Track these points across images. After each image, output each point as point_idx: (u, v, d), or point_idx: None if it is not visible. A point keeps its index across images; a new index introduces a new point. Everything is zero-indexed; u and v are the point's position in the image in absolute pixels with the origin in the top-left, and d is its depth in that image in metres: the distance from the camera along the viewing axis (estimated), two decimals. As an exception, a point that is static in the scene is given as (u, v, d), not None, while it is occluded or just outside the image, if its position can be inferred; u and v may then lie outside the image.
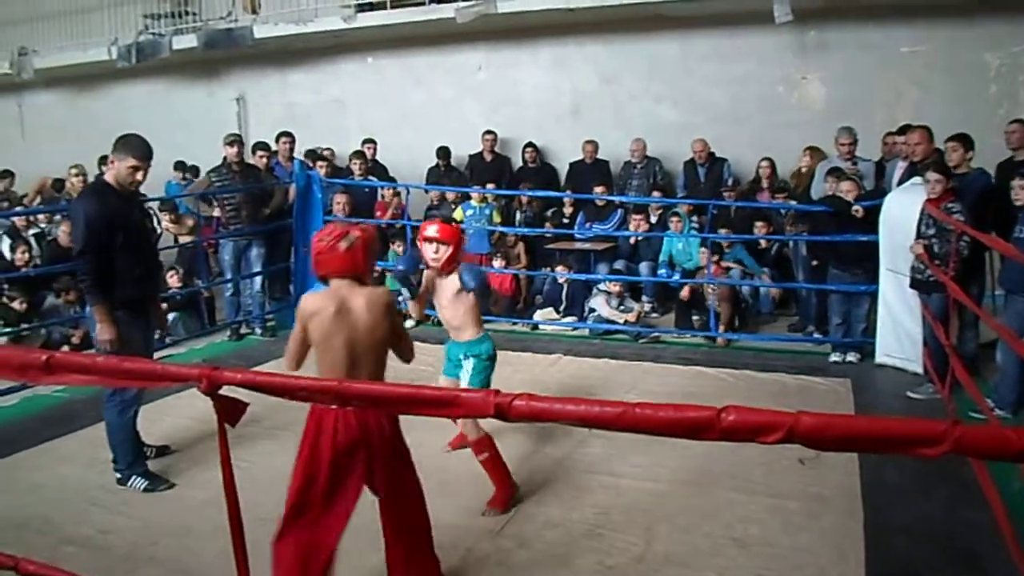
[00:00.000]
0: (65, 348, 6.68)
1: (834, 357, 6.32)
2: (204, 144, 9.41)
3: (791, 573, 3.22)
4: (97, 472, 4.25)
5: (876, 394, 5.59)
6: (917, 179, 5.68)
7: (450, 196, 8.76)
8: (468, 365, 3.91)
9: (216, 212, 7.87)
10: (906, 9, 8.29)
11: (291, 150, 8.55)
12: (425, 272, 3.92)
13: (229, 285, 7.59)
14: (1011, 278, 4.94)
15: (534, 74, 9.98)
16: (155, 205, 7.84)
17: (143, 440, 4.32)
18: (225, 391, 1.74)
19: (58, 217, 8.45)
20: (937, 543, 3.44)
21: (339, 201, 7.98)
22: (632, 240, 8.18)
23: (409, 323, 7.84)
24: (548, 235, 8.42)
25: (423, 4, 9.57)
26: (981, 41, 8.10)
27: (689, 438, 1.28)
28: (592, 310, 7.42)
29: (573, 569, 3.26)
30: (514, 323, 7.67)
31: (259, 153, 8.11)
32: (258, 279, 7.59)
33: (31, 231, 8.36)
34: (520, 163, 9.61)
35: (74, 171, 8.53)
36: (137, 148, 4.07)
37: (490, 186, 8.57)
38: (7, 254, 7.74)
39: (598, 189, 8.28)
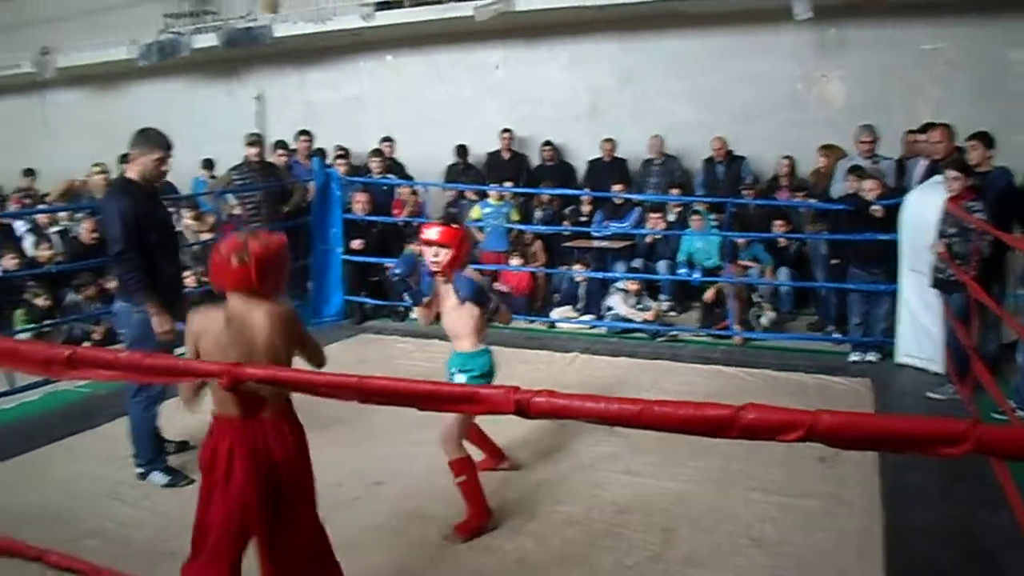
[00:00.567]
0: (86, 344, 6.75)
1: (854, 357, 6.28)
2: (224, 142, 9.50)
3: (809, 573, 3.21)
4: (118, 467, 4.30)
5: (896, 394, 5.55)
6: (938, 177, 5.63)
7: (468, 194, 8.78)
8: (458, 381, 3.65)
9: (236, 210, 7.92)
10: (927, 6, 8.21)
11: (309, 149, 8.60)
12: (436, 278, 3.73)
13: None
14: (1033, 278, 4.89)
15: (552, 72, 9.97)
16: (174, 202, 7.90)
17: (163, 436, 4.36)
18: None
19: (79, 215, 8.56)
20: (957, 544, 3.42)
21: (358, 200, 8.01)
22: (650, 238, 8.16)
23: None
24: (566, 233, 8.41)
25: (442, 2, 9.58)
26: (1004, 38, 8.00)
27: (709, 436, 1.28)
28: (610, 308, 7.41)
29: (592, 568, 3.27)
30: (531, 321, 7.67)
31: (278, 151, 8.16)
32: (277, 276, 7.60)
33: (53, 228, 8.46)
34: (538, 161, 9.61)
35: (97, 168, 8.61)
36: (160, 140, 4.11)
37: (508, 184, 8.58)
38: (30, 251, 7.83)
39: (616, 187, 8.27)
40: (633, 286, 7.37)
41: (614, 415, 1.30)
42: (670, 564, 3.29)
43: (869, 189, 6.18)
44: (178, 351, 4.66)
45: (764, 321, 7.07)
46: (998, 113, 7.20)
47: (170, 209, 5.10)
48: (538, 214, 8.69)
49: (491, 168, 9.56)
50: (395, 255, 7.94)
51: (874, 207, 6.06)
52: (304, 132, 8.73)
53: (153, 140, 4.10)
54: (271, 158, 7.94)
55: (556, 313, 7.76)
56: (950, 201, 5.23)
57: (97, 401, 5.40)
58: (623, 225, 8.28)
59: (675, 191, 8.24)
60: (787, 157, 8.09)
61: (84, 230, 7.29)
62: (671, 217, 8.22)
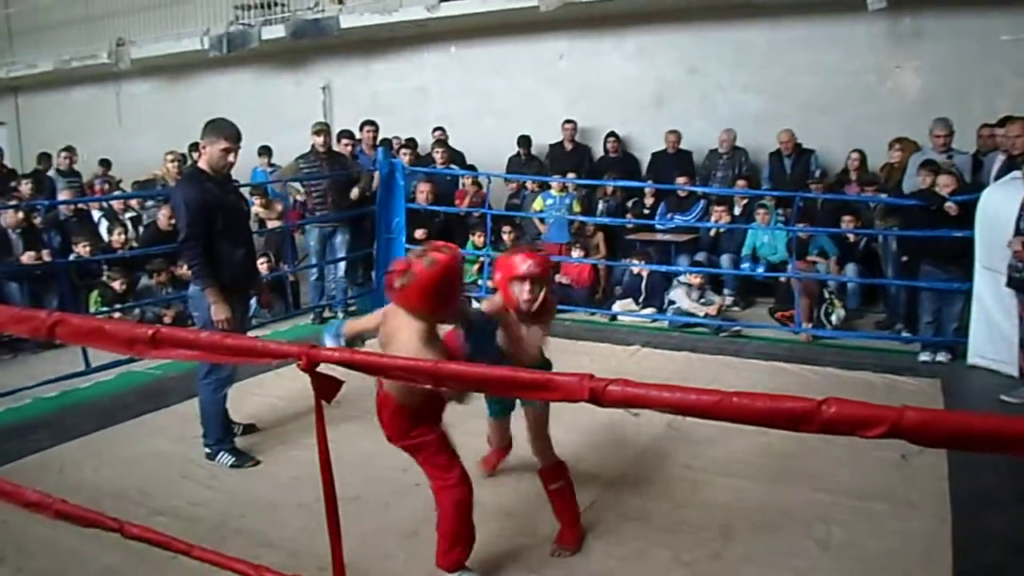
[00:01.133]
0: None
1: (923, 357, 6.11)
2: (291, 132, 9.65)
3: (875, 577, 3.13)
4: (188, 446, 4.42)
5: (967, 396, 5.39)
6: (1017, 173, 5.46)
7: (530, 185, 8.79)
8: None
9: (301, 197, 8.06)
10: (1007, -5, 7.93)
11: (374, 138, 8.70)
12: (505, 316, 3.11)
13: (314, 270, 7.78)
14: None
15: (617, 63, 9.89)
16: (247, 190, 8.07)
17: (231, 418, 4.46)
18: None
19: (150, 203, 8.80)
20: (1032, 553, 3.31)
21: (421, 190, 8.08)
22: (713, 232, 8.06)
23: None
24: (628, 225, 8.36)
25: (507, -7, 9.58)
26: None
27: (788, 430, 1.26)
28: (672, 302, 7.34)
29: (648, 562, 3.24)
30: (592, 313, 7.64)
31: (344, 141, 8.28)
32: (342, 265, 7.75)
33: (128, 215, 8.73)
34: (601, 153, 9.56)
35: (170, 157, 8.83)
36: (227, 130, 4.18)
37: (570, 176, 8.55)
38: (105, 236, 8.08)
39: (680, 180, 8.17)
40: (696, 280, 7.30)
41: (690, 405, 1.29)
42: (728, 562, 3.24)
43: (944, 185, 6.01)
44: (251, 334, 4.80)
45: (834, 319, 6.93)
46: (1082, 107, 6.92)
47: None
48: (601, 206, 8.64)
49: (553, 159, 9.54)
50: (459, 245, 8.03)
51: (948, 204, 5.89)
52: (369, 122, 8.82)
53: (220, 130, 4.16)
54: (337, 147, 8.05)
55: (618, 306, 7.71)
56: (1030, 197, 5.06)
57: (168, 382, 5.58)
58: (687, 218, 8.19)
59: (741, 184, 8.12)
60: (857, 151, 7.89)
61: (163, 216, 7.50)
62: (736, 211, 8.10)
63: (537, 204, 8.32)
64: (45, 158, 11.28)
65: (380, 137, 9.06)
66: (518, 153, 9.57)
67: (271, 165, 10.11)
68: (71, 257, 7.32)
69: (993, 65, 8.05)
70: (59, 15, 13.18)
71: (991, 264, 5.56)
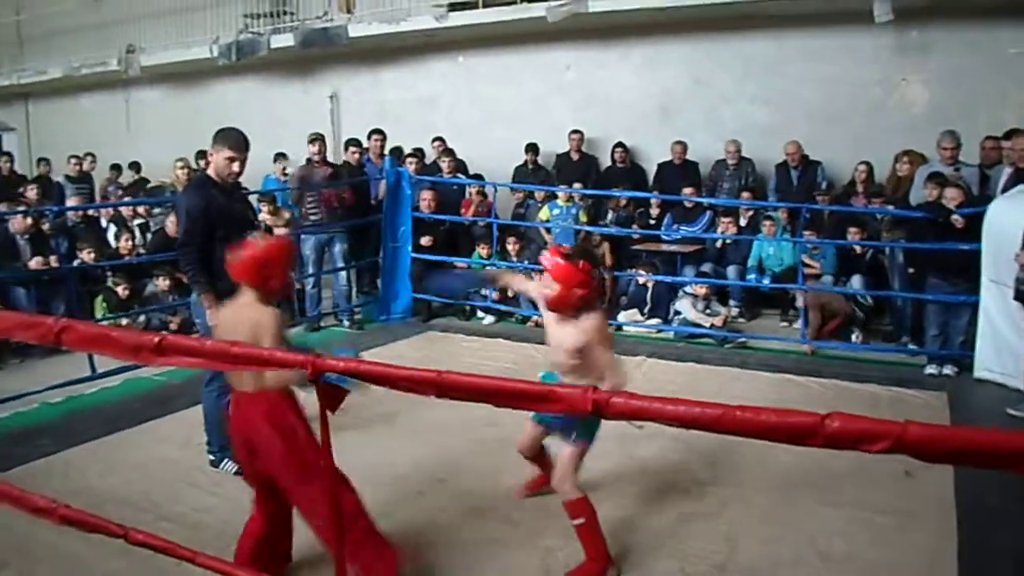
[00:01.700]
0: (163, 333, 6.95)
1: (930, 369, 6.10)
2: (299, 140, 9.65)
3: (880, 589, 3.13)
4: (193, 452, 4.44)
5: (974, 410, 5.37)
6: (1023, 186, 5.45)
7: (537, 195, 8.80)
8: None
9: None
10: (1014, 8, 7.89)
11: (382, 147, 8.73)
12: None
13: (311, 279, 7.82)
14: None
15: (623, 74, 9.90)
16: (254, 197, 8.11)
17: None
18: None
19: (157, 210, 8.83)
20: (1038, 568, 3.29)
21: (424, 198, 8.10)
22: (720, 243, 8.05)
23: (488, 319, 7.93)
24: (635, 236, 8.35)
25: (514, 3, 9.61)
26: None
27: (791, 444, 1.26)
28: (677, 313, 7.34)
29: (653, 574, 3.24)
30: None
31: (351, 149, 8.31)
32: (343, 273, 7.76)
33: (136, 221, 8.75)
34: (608, 163, 9.57)
35: (179, 163, 8.87)
36: (233, 140, 4.18)
37: (576, 185, 8.55)
38: (112, 242, 8.11)
39: (687, 190, 8.17)
40: (702, 291, 7.29)
41: (694, 419, 1.29)
42: (732, 574, 3.24)
43: (951, 198, 6.00)
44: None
45: (854, 338, 6.98)
46: (1089, 120, 6.91)
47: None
48: (610, 216, 8.63)
49: (560, 169, 9.55)
50: (464, 254, 8.05)
51: (955, 217, 5.88)
52: (376, 131, 8.86)
53: (226, 139, 4.17)
54: (345, 156, 8.09)
55: (623, 316, 7.71)
56: (1037, 211, 5.05)
57: (174, 388, 5.60)
58: (693, 229, 8.19)
59: (747, 195, 8.12)
60: (864, 163, 7.89)
61: (171, 223, 7.52)
62: (742, 222, 8.09)
63: (543, 214, 8.32)
64: (45, 163, 11.37)
65: (392, 146, 9.10)
66: (525, 162, 9.57)
67: (285, 173, 10.14)
68: (75, 263, 7.34)
69: (999, 78, 8.04)
70: (69, 22, 13.25)
71: (998, 277, 5.55)
